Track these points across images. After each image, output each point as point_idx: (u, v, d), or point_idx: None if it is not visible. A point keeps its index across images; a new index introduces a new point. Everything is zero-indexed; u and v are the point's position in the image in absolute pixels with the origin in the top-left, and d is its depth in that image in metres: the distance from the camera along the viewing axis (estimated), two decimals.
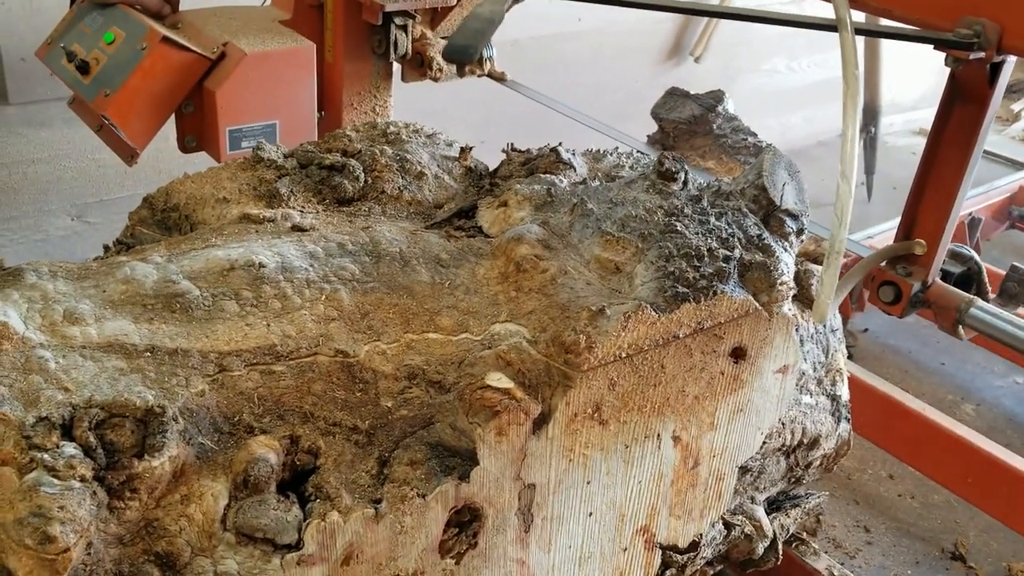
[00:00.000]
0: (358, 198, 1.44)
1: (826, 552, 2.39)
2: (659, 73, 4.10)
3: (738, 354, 1.38)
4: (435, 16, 2.35)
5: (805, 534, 2.49)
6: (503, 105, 2.99)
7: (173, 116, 2.09)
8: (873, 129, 4.05)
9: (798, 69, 4.68)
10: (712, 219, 1.38)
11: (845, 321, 3.39)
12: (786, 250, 1.43)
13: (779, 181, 1.47)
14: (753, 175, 1.47)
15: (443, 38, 2.34)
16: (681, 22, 4.06)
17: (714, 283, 1.30)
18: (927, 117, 5.56)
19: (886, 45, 4.00)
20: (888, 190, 4.34)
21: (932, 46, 1.43)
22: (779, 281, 1.38)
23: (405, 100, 2.53)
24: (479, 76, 2.50)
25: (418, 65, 2.34)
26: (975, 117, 1.55)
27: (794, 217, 1.46)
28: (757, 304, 1.36)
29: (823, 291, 1.27)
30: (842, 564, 2.27)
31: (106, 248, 1.47)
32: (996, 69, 1.49)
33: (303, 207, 1.40)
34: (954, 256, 1.77)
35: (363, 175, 1.45)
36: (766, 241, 1.40)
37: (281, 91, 2.09)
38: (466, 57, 1.63)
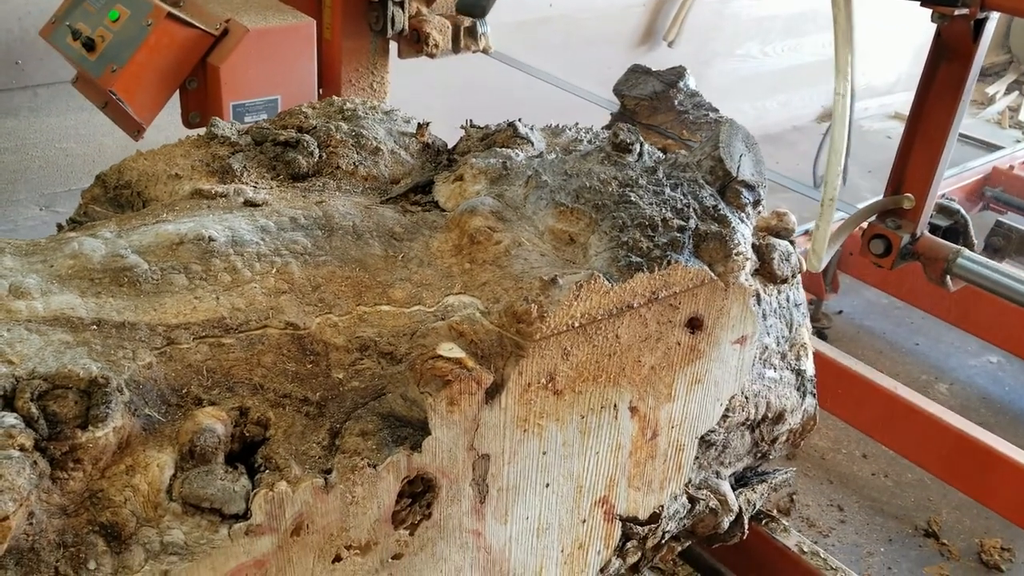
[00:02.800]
0: (312, 174, 1.44)
1: (799, 531, 2.40)
2: (632, 58, 4.08)
3: (694, 324, 1.38)
4: None
5: (778, 512, 2.51)
6: (488, 85, 2.97)
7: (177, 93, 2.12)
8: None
9: (772, 54, 4.70)
10: (667, 190, 1.38)
11: (820, 302, 3.41)
12: (742, 221, 1.43)
13: (736, 152, 1.47)
14: (709, 146, 1.47)
15: (439, 15, 2.37)
16: (654, 7, 4.06)
17: (668, 253, 1.30)
18: (902, 101, 5.61)
19: (860, 30, 4.01)
20: (864, 173, 4.36)
21: (919, 3, 1.47)
22: (735, 251, 1.38)
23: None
24: (474, 52, 2.52)
25: (414, 41, 2.37)
26: (960, 73, 1.61)
27: (751, 188, 1.46)
28: (712, 274, 1.36)
29: (817, 239, 1.29)
30: (815, 542, 2.28)
31: (60, 227, 1.46)
32: (980, 25, 1.54)
33: (256, 183, 1.39)
34: (941, 210, 1.83)
35: (317, 150, 1.45)
36: (722, 212, 1.40)
37: (283, 66, 2.13)
38: (477, 10, 1.65)
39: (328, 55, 2.35)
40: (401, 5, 2.28)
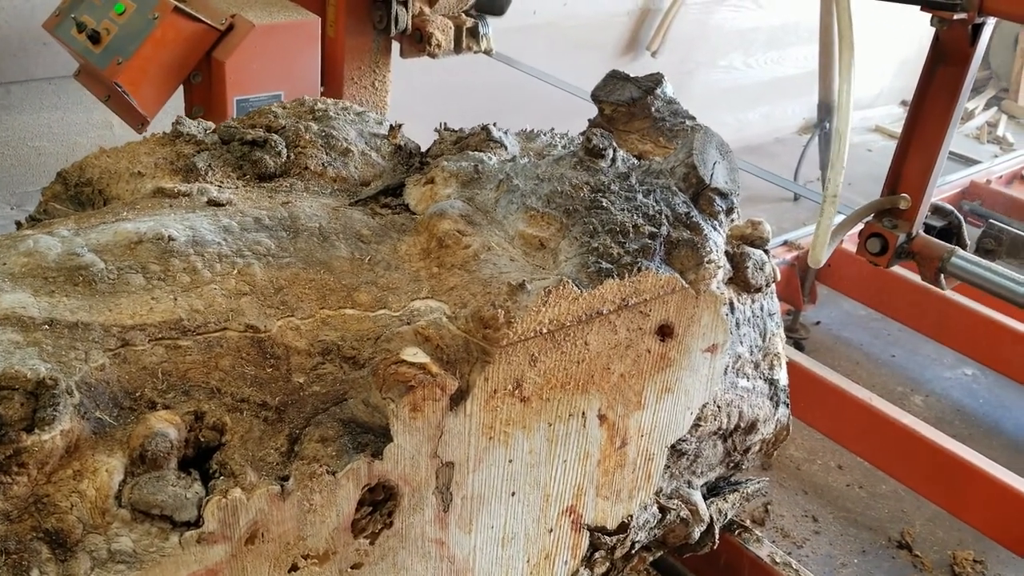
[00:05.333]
0: (280, 174, 1.41)
1: (774, 541, 2.39)
2: (616, 68, 4.10)
3: (665, 332, 1.36)
4: None
5: (752, 523, 2.49)
6: (488, 88, 2.94)
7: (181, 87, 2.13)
8: (828, 125, 4.07)
9: (755, 65, 4.71)
10: (639, 196, 1.37)
11: (798, 313, 3.40)
12: (715, 228, 1.42)
13: (709, 160, 1.46)
14: (683, 154, 1.46)
15: (442, 15, 2.38)
16: (638, 16, 4.06)
17: (639, 259, 1.29)
18: (883, 115, 5.63)
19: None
20: (844, 185, 4.37)
21: (919, 7, 1.51)
22: (707, 259, 1.36)
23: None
24: (475, 53, 2.53)
25: (417, 41, 2.40)
26: (957, 77, 1.65)
27: (724, 196, 1.45)
28: (684, 282, 1.35)
29: (819, 235, 1.31)
30: (788, 553, 2.26)
31: (19, 225, 1.42)
32: (977, 30, 1.58)
33: (221, 182, 1.36)
34: (936, 211, 1.87)
35: (285, 150, 1.42)
36: (694, 219, 1.38)
37: (287, 62, 2.15)
38: (496, 7, 1.64)
39: (331, 52, 2.38)
40: (405, 4, 2.32)
